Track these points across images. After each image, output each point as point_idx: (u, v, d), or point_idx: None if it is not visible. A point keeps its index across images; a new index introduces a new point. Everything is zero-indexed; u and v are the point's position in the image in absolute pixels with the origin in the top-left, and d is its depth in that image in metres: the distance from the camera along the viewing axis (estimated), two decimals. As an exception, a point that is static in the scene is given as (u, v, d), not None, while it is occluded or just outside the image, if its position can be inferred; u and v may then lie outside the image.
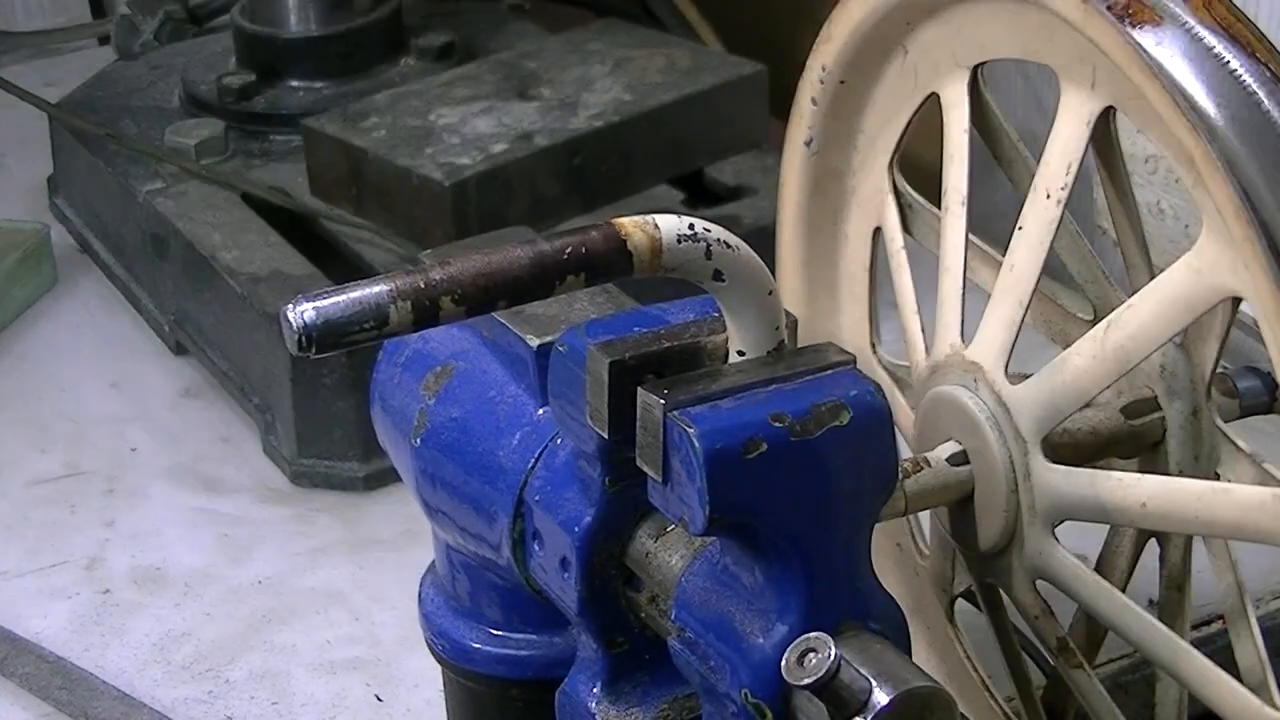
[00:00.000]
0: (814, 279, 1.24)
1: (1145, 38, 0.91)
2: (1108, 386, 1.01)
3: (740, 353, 0.83)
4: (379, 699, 1.38)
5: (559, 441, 0.93)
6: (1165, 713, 1.11)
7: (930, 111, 1.13)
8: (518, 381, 0.97)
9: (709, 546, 0.86)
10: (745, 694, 0.80)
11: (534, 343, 0.94)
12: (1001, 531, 1.04)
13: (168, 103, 2.05)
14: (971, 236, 1.09)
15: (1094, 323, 1.04)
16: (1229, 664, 1.01)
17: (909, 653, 0.83)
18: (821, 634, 0.77)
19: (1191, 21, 0.91)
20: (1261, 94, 0.89)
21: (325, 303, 0.74)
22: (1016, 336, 1.04)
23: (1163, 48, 0.91)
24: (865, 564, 0.83)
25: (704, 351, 0.85)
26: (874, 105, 1.17)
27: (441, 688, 1.10)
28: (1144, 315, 0.97)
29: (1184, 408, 1.03)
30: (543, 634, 1.00)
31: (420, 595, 1.07)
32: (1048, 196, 1.02)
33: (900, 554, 1.23)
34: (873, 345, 1.23)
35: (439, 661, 1.06)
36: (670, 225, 0.78)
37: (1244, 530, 0.94)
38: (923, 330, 1.12)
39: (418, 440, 0.99)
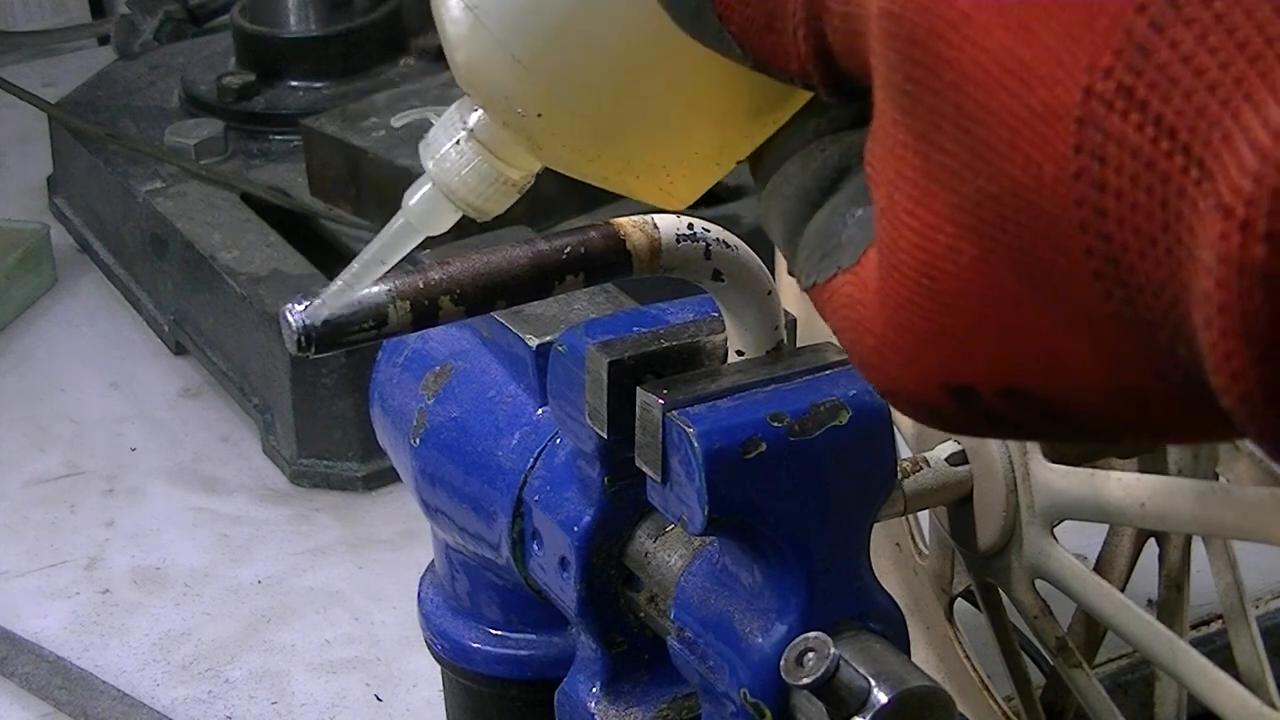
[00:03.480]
0: (813, 279, 1.24)
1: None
2: (1107, 386, 1.01)
3: (739, 352, 0.83)
4: (379, 699, 1.38)
5: (558, 441, 0.93)
6: (1164, 712, 1.11)
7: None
8: (517, 381, 0.97)
9: (708, 546, 0.86)
10: (744, 694, 0.80)
11: (533, 342, 0.94)
12: (1000, 531, 1.04)
13: (167, 103, 2.06)
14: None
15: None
16: (1228, 663, 1.01)
17: (908, 652, 0.82)
18: (820, 634, 0.77)
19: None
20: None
21: (324, 303, 0.74)
22: (1016, 336, 1.04)
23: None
24: (864, 564, 0.83)
25: (703, 351, 0.85)
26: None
27: (441, 688, 1.10)
28: (1143, 315, 0.97)
29: (1183, 407, 1.03)
30: (542, 634, 1.00)
31: (419, 595, 1.07)
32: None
33: (899, 554, 1.23)
34: (872, 345, 1.23)
35: (438, 661, 1.06)
36: (669, 225, 0.78)
37: (1244, 530, 0.94)
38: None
39: (417, 440, 0.99)
